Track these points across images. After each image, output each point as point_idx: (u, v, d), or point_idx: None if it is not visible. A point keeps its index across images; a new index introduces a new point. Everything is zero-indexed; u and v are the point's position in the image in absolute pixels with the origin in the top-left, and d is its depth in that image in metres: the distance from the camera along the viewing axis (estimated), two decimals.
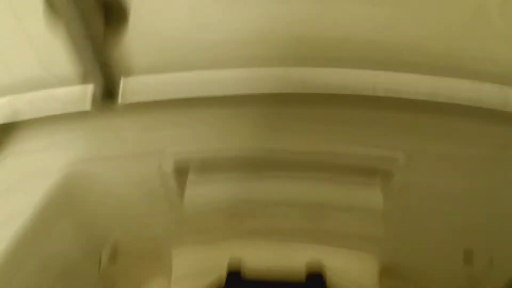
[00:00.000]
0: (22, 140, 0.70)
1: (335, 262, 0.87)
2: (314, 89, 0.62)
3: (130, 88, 0.63)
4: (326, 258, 0.87)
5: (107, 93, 0.63)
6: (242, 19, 0.60)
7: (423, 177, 0.75)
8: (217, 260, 0.87)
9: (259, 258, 0.87)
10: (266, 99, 0.67)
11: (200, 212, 0.82)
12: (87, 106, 0.62)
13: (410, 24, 0.60)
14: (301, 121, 0.72)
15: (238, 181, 0.81)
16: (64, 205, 0.71)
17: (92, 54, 0.59)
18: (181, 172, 0.79)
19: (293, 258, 0.87)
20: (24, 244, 0.60)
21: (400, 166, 0.74)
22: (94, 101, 0.62)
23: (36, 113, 0.64)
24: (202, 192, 0.81)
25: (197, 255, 0.89)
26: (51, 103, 0.63)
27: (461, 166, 0.72)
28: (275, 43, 0.62)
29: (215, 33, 0.61)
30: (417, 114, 0.67)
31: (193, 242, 0.88)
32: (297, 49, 0.62)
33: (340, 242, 0.87)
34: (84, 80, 0.62)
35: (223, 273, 0.86)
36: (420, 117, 0.68)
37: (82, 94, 0.63)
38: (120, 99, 0.63)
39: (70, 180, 0.70)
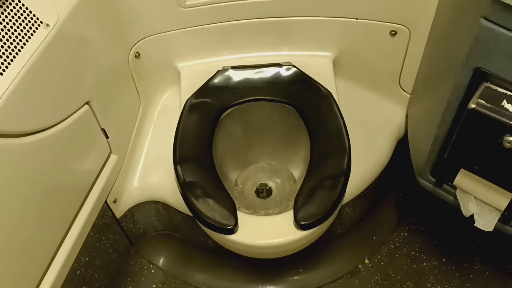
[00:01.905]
0: None
1: (301, 58, 1.20)
2: None
3: None
4: (295, 58, 1.20)
5: None
6: None
7: None
8: (212, 68, 1.18)
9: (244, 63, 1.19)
10: None
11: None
12: None
13: None
14: None
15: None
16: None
17: None
18: None
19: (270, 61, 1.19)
20: None
21: None
22: None
23: None
24: None
25: (197, 67, 1.22)
26: None
27: None
28: None
29: None
30: None
31: (194, 58, 1.23)
32: None
33: (304, 47, 1.21)
34: None
35: None
36: None
37: None
38: None
39: None
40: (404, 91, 1.24)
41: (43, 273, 0.92)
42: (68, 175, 0.95)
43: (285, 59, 1.18)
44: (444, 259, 1.32)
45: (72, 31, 0.89)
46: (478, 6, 0.75)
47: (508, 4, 0.68)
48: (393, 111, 1.27)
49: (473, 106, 0.78)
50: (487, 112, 0.77)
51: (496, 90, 0.79)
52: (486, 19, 0.73)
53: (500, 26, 0.72)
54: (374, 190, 1.27)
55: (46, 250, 0.92)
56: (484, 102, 0.78)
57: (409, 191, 1.43)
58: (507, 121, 0.76)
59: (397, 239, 1.36)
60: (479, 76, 0.80)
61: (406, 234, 1.37)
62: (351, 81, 1.28)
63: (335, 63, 1.22)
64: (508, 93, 0.78)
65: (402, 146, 1.28)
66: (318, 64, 1.19)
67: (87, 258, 1.08)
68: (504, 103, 0.77)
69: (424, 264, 1.32)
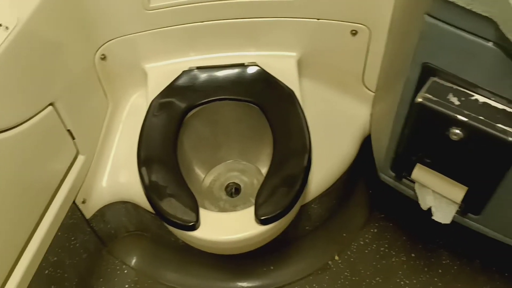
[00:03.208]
0: None
1: (267, 59, 1.22)
2: None
3: None
4: (261, 59, 1.21)
5: None
6: None
7: None
8: (178, 69, 1.20)
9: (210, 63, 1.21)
10: None
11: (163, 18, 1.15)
12: None
13: None
14: None
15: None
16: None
17: None
18: None
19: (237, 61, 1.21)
20: None
21: None
22: None
23: None
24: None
25: (164, 68, 1.22)
26: None
27: None
28: None
29: None
30: None
31: (161, 59, 1.23)
32: None
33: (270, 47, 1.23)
34: None
35: None
36: None
37: None
38: None
39: None
40: (368, 89, 1.26)
41: (9, 272, 0.93)
42: (33, 175, 0.96)
43: (252, 59, 1.20)
44: (412, 255, 1.34)
45: (33, 34, 0.90)
46: (422, 3, 0.78)
47: (447, 0, 0.71)
48: (358, 110, 1.30)
49: (420, 100, 0.81)
50: (433, 105, 0.80)
51: (443, 84, 0.81)
52: (429, 15, 0.76)
53: (443, 21, 0.75)
54: (341, 187, 1.30)
55: (11, 249, 0.93)
56: (430, 96, 0.80)
57: (378, 188, 1.45)
58: (453, 114, 0.79)
59: (366, 236, 1.39)
60: (427, 71, 0.83)
61: (375, 230, 1.40)
62: (317, 81, 1.30)
63: (301, 63, 1.24)
64: (454, 87, 0.81)
65: (370, 144, 1.31)
66: (283, 64, 1.21)
67: (55, 258, 1.09)
68: (450, 96, 0.80)
69: (393, 259, 1.34)
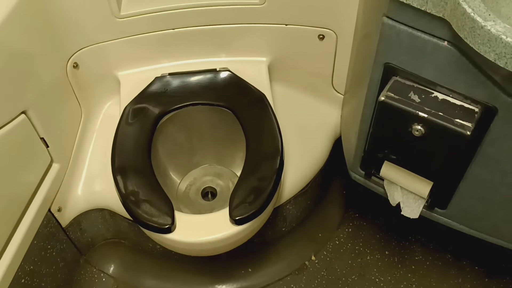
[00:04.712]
0: None
1: (238, 64, 1.24)
2: None
3: None
4: (232, 64, 1.24)
5: None
6: None
7: None
8: (151, 76, 1.21)
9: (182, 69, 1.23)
10: None
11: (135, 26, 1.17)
12: None
13: None
14: None
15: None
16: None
17: None
18: None
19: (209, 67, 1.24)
20: None
21: None
22: None
23: None
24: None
25: (137, 76, 1.24)
26: None
27: None
28: None
29: None
30: None
31: (133, 66, 1.25)
32: None
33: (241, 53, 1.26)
34: None
35: None
36: None
37: None
38: None
39: None
40: (338, 92, 1.30)
41: None
42: (6, 183, 0.97)
43: (224, 65, 1.23)
44: (386, 252, 1.38)
45: (2, 43, 0.91)
46: (380, 5, 0.81)
47: (403, 2, 0.74)
48: (329, 112, 1.33)
49: (382, 98, 0.84)
50: (395, 103, 0.83)
51: (404, 83, 0.85)
52: (387, 17, 0.80)
53: (400, 22, 0.79)
54: (315, 188, 1.33)
55: None
56: (392, 94, 0.84)
57: (352, 188, 1.48)
58: (414, 111, 0.82)
59: (341, 235, 1.42)
60: (389, 71, 0.86)
61: (350, 230, 1.43)
62: (288, 85, 1.34)
63: (272, 67, 1.27)
64: (415, 85, 0.84)
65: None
66: (254, 69, 1.24)
67: (32, 267, 1.09)
68: (411, 94, 0.84)
69: (368, 257, 1.37)
